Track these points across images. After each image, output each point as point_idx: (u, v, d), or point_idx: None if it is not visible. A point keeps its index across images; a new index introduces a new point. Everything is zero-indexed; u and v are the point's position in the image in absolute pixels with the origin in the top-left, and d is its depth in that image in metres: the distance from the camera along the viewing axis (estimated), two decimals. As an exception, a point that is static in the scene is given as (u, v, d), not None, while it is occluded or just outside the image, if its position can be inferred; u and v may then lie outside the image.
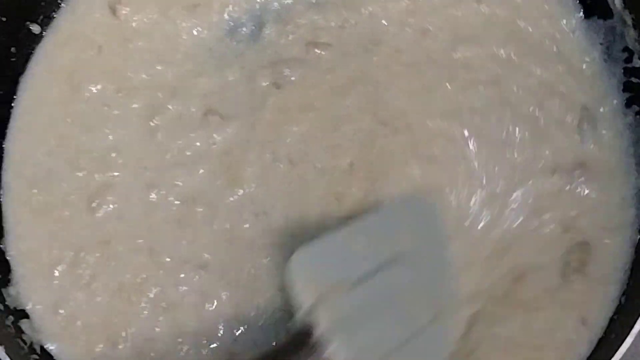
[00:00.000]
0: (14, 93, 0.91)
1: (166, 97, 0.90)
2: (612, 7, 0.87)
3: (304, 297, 0.75)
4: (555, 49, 0.89)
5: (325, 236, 0.79)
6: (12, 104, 0.91)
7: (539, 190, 0.85)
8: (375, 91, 0.88)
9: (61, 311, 0.85)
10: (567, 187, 0.85)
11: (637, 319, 0.73)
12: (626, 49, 0.87)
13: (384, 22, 0.91)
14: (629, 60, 0.87)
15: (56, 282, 0.86)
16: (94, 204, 0.87)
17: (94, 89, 0.91)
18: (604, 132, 0.87)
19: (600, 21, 0.89)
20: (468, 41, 0.89)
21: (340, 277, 0.76)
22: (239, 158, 0.87)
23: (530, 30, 0.89)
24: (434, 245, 0.83)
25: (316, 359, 0.73)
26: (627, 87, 0.88)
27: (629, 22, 0.86)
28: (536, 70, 0.88)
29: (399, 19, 0.91)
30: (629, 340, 0.73)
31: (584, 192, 0.85)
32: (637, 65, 0.86)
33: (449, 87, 0.88)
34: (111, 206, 0.87)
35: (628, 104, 0.87)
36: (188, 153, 0.88)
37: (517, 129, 0.86)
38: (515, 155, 0.85)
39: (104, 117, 0.90)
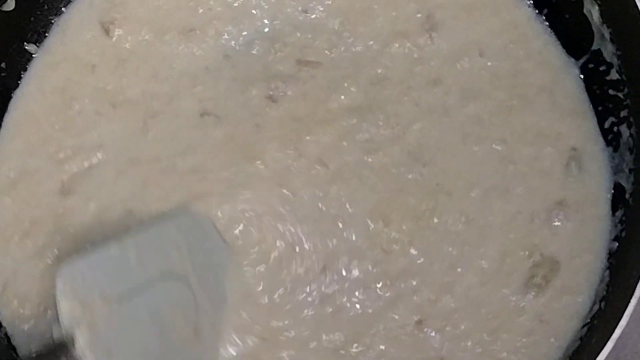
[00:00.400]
0: (5, 109, 0.92)
1: (162, 105, 0.91)
2: (590, 21, 0.89)
3: (66, 311, 0.75)
4: (550, 95, 0.91)
5: (96, 249, 0.80)
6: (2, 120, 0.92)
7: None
8: (399, 123, 0.90)
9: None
10: (542, 226, 0.87)
11: (617, 323, 0.75)
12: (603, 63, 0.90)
13: (386, 60, 0.92)
14: (606, 73, 0.89)
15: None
16: (67, 188, 0.88)
17: (87, 103, 0.92)
18: (588, 168, 0.89)
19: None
20: (477, 98, 0.91)
21: (105, 292, 0.77)
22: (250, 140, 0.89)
23: (530, 81, 0.92)
24: (210, 268, 0.85)
25: None
26: (603, 112, 0.90)
27: (607, 36, 0.88)
28: (535, 121, 0.90)
29: (403, 63, 0.92)
30: (609, 345, 0.75)
31: (558, 225, 0.87)
32: (615, 78, 0.88)
33: (464, 143, 0.89)
34: (84, 188, 0.88)
35: (604, 127, 0.90)
36: (182, 144, 0.89)
37: (512, 185, 0.88)
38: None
39: (94, 123, 0.91)
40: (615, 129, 0.89)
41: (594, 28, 0.90)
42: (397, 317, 0.84)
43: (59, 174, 0.89)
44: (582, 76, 0.92)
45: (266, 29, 0.94)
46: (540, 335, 0.84)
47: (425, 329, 0.84)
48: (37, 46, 0.94)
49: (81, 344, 0.74)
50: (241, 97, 0.91)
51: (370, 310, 0.84)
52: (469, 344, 0.83)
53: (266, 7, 0.95)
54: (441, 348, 0.83)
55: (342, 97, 0.91)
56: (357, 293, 0.85)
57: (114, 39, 0.93)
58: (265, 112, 0.90)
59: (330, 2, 0.94)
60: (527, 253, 0.86)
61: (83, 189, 0.88)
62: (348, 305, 0.84)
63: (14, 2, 0.90)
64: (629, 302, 0.76)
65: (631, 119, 0.87)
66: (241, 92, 0.91)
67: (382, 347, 0.83)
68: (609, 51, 0.89)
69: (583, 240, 0.87)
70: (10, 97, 0.93)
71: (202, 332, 0.82)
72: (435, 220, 0.87)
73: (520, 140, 0.90)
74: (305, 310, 0.85)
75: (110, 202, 0.88)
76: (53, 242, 0.87)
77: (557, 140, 0.90)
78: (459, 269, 0.85)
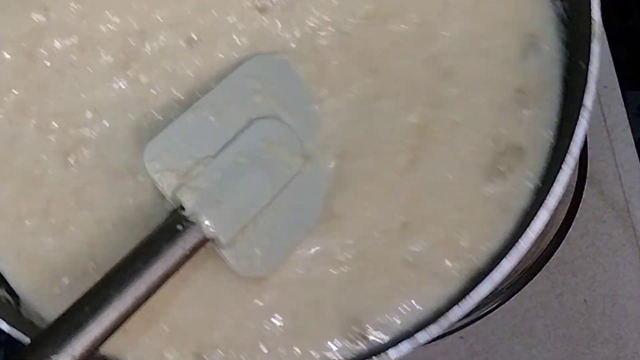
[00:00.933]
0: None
1: (138, 41, 0.87)
2: None
3: (165, 185, 0.78)
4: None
5: (173, 123, 0.80)
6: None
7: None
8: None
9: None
10: (506, 115, 0.84)
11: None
12: None
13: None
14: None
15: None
16: (70, 159, 0.85)
17: (53, 52, 0.86)
18: (543, 51, 0.86)
19: None
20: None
21: (195, 155, 0.78)
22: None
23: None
24: (292, 99, 0.84)
25: (192, 236, 0.75)
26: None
27: None
28: (500, 10, 0.87)
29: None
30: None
31: (521, 113, 0.84)
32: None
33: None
34: (87, 157, 0.84)
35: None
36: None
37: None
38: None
39: (71, 77, 0.86)
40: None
41: None
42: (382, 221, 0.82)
43: (59, 147, 0.85)
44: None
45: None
46: (501, 223, 0.81)
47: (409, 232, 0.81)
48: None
49: (188, 206, 0.76)
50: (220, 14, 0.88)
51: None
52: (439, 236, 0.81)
53: None
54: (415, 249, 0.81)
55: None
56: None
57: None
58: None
59: None
60: (492, 142, 0.83)
61: (92, 162, 0.84)
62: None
63: None
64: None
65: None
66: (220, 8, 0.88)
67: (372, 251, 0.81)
68: None
69: (544, 124, 0.84)
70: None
71: (311, 156, 0.82)
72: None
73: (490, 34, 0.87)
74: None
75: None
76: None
77: (513, 28, 0.87)
78: (432, 165, 0.83)
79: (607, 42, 1.17)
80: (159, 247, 0.73)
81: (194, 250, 0.75)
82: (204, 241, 0.75)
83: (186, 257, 0.74)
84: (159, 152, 0.79)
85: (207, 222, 0.75)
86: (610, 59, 1.18)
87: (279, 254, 0.80)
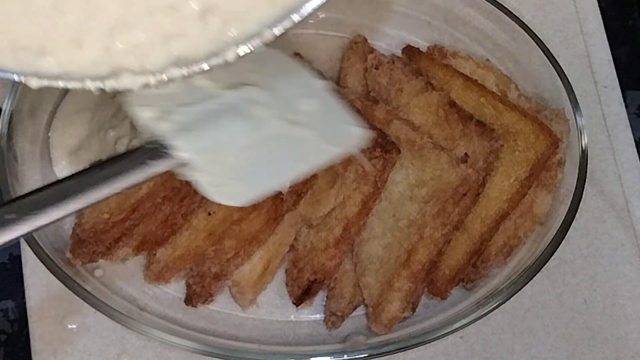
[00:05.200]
0: None
1: None
2: None
3: (145, 116, 0.77)
4: None
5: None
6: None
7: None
8: None
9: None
10: None
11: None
12: None
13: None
14: None
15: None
16: None
17: None
18: None
19: None
20: None
21: (176, 100, 0.77)
22: None
23: None
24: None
25: (160, 159, 0.75)
26: None
27: None
28: None
29: None
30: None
31: None
32: None
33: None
34: None
35: None
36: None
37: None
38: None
39: None
40: None
41: None
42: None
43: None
44: None
45: None
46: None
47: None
48: None
49: (163, 131, 0.75)
50: None
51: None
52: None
53: None
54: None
55: None
56: None
57: None
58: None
59: None
60: None
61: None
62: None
63: None
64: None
65: None
66: None
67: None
68: None
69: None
70: None
71: (299, 122, 0.82)
72: None
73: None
74: None
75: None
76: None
77: None
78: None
79: (607, 42, 1.18)
80: (127, 163, 0.74)
81: (159, 172, 0.75)
82: (173, 164, 0.75)
83: (150, 178, 0.75)
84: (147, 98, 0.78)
85: (177, 142, 0.75)
86: (610, 59, 1.17)
87: (254, 192, 0.80)
